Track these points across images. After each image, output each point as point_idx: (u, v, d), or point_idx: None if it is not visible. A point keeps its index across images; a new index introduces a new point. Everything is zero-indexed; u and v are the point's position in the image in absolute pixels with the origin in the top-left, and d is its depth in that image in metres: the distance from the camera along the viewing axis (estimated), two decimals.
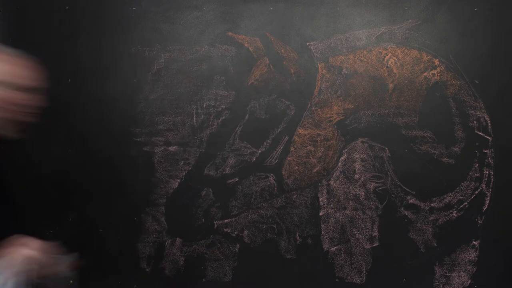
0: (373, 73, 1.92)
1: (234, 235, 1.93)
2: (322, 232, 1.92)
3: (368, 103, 1.92)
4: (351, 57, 1.93)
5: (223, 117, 1.93)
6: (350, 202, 1.92)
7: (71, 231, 1.93)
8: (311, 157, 1.93)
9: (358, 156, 1.92)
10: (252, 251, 1.93)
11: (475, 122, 1.90)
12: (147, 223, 1.94)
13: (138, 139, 1.95)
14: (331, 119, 1.93)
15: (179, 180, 1.94)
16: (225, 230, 1.93)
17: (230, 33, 1.94)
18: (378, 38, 1.92)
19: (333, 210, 1.92)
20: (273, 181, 1.93)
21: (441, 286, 1.91)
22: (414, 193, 1.91)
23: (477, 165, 1.90)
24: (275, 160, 1.93)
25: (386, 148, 1.92)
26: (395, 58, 1.92)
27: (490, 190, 1.90)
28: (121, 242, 1.96)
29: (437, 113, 1.91)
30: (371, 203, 1.92)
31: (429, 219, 1.91)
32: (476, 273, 1.90)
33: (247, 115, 1.93)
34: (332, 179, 1.92)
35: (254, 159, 1.93)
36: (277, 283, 1.92)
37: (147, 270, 1.97)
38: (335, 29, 1.93)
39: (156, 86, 1.94)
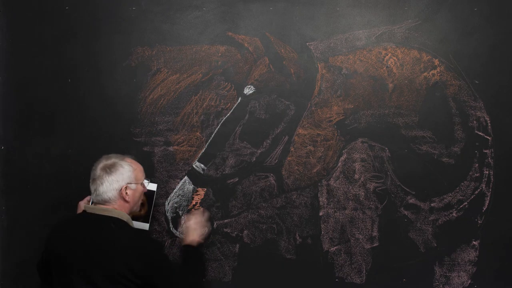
0: (373, 73, 1.92)
1: (234, 235, 1.93)
2: (322, 232, 1.92)
3: (368, 103, 1.92)
4: (351, 57, 1.93)
5: (223, 117, 1.93)
6: (350, 202, 1.92)
7: None
8: (311, 157, 1.93)
9: (358, 156, 1.92)
10: (252, 251, 1.93)
11: (475, 122, 1.90)
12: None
13: (138, 139, 1.94)
14: (331, 119, 1.93)
15: (179, 180, 1.94)
16: (225, 230, 1.93)
17: (230, 33, 1.94)
18: (378, 38, 1.92)
19: (333, 210, 1.92)
20: (273, 181, 1.93)
21: (441, 286, 1.91)
22: (414, 193, 1.91)
23: (477, 165, 1.90)
24: (275, 160, 1.93)
25: (386, 148, 1.92)
26: (395, 58, 1.92)
27: (490, 190, 1.90)
28: None
29: (437, 113, 1.91)
30: (371, 203, 1.92)
31: (429, 219, 1.91)
32: (476, 273, 1.90)
33: (247, 115, 1.93)
34: (332, 179, 1.92)
35: (254, 159, 1.93)
36: (277, 283, 1.92)
37: None
38: (335, 29, 1.93)
39: (156, 86, 1.94)
